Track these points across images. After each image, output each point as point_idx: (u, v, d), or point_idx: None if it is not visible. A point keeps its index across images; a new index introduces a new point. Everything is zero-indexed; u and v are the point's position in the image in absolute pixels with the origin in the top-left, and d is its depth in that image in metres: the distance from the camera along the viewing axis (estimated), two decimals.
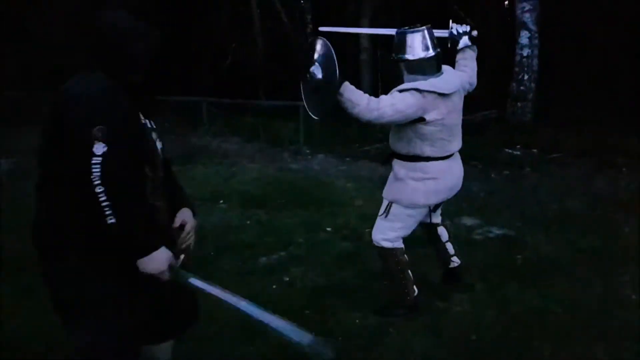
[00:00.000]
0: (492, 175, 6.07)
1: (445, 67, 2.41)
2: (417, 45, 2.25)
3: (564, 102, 8.40)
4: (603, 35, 11.24)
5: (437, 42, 2.33)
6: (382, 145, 8.18)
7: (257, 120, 9.93)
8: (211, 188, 5.29)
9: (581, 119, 7.47)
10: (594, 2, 10.14)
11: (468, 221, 4.30)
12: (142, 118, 1.52)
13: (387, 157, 2.55)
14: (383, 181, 2.70)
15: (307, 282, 3.07)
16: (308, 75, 2.15)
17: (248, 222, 4.15)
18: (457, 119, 2.41)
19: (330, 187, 5.51)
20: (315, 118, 2.32)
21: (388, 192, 2.50)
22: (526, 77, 7.81)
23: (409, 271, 2.56)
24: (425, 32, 2.27)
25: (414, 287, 2.59)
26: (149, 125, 1.56)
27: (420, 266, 2.93)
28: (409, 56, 2.27)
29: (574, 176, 5.56)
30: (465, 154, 6.97)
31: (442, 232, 2.81)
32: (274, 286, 3.00)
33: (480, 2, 13.45)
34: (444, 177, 2.43)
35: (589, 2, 10.18)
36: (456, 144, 2.47)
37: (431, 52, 2.27)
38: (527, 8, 7.80)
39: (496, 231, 4.04)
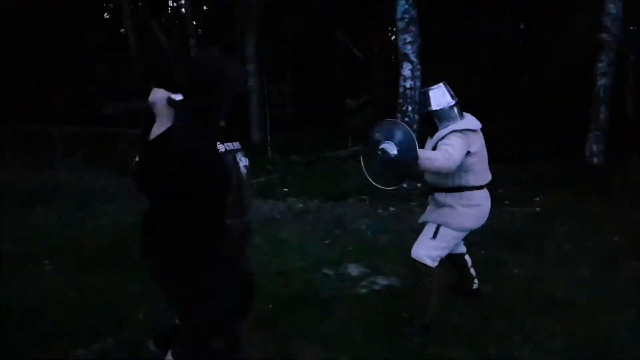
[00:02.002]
0: (379, 210, 5.73)
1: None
2: (439, 97, 2.76)
3: None
4: (488, 61, 11.98)
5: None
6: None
7: (132, 151, 8.77)
8: (42, 240, 4.17)
9: None
10: (468, 32, 10.71)
11: (354, 270, 3.79)
12: (221, 144, 1.75)
13: (428, 192, 2.97)
14: None
15: None
16: (379, 152, 2.52)
17: (73, 293, 3.14)
18: (485, 151, 2.84)
19: None
20: (383, 188, 2.72)
21: (436, 217, 2.82)
22: (410, 108, 7.75)
23: (437, 296, 2.80)
24: (443, 86, 2.79)
25: (433, 312, 2.79)
26: (229, 148, 1.79)
27: None
28: (434, 107, 2.76)
29: None
30: (352, 188, 6.48)
31: (468, 259, 3.21)
32: None
33: (365, 33, 13.75)
34: (485, 203, 2.84)
35: (466, 32, 10.72)
36: (489, 174, 2.89)
37: (452, 101, 2.76)
38: (408, 40, 7.80)
39: (382, 281, 3.58)
